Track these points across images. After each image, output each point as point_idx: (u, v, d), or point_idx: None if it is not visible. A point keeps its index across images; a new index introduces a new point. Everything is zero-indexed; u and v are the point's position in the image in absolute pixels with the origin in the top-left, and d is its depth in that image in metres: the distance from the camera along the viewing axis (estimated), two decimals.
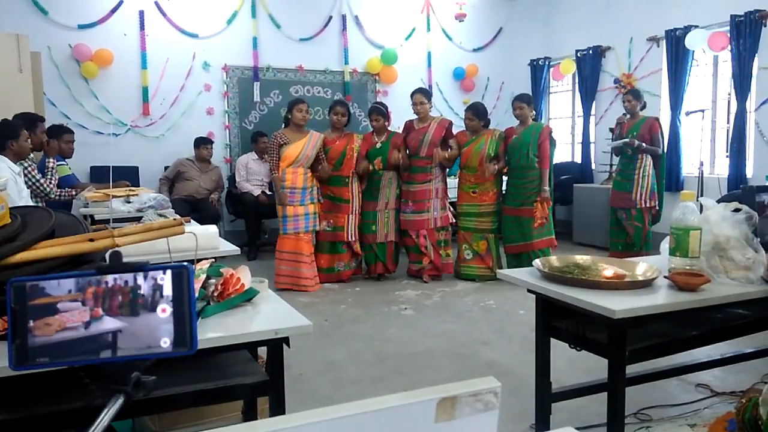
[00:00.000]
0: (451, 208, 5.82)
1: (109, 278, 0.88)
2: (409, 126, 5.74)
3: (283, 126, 5.54)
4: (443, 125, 5.63)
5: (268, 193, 6.84)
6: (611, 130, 6.32)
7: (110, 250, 0.94)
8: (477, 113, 5.62)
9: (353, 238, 5.57)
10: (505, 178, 5.79)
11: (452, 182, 6.04)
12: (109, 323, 0.87)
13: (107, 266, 0.88)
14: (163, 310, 0.88)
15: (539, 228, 5.47)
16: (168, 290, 0.88)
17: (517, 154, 5.51)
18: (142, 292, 0.88)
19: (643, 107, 5.96)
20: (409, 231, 5.65)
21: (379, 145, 5.64)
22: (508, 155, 5.58)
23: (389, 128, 5.81)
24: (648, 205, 5.78)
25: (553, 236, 5.60)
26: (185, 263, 0.90)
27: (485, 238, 5.61)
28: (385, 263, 5.70)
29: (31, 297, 0.87)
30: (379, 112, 5.69)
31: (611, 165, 6.93)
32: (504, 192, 5.77)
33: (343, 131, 5.61)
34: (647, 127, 5.79)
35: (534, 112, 5.74)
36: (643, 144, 5.70)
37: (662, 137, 5.89)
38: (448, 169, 5.92)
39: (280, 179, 5.30)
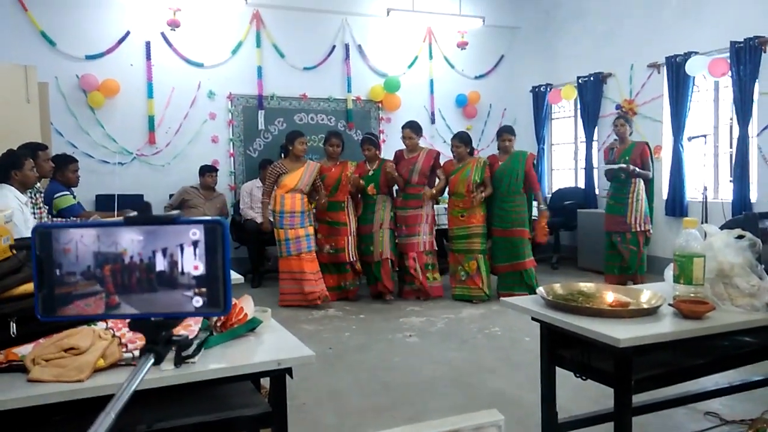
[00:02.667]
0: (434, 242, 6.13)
1: (127, 256, 0.83)
2: (399, 155, 6.10)
3: (281, 156, 5.81)
4: (431, 155, 5.99)
5: (272, 220, 6.87)
6: (605, 152, 6.36)
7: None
8: (463, 140, 5.94)
9: (354, 258, 5.88)
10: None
11: (440, 207, 6.40)
12: (126, 309, 0.84)
13: (135, 218, 0.84)
14: (195, 268, 0.83)
15: (527, 248, 5.77)
16: (201, 247, 0.83)
17: (507, 180, 5.80)
18: (167, 257, 0.83)
19: (630, 132, 6.09)
20: (403, 254, 5.96)
21: (371, 173, 5.99)
22: (496, 181, 5.84)
23: (380, 156, 6.15)
24: (642, 228, 5.93)
25: (533, 258, 5.88)
26: (219, 218, 0.86)
27: (475, 259, 5.82)
28: (383, 281, 5.91)
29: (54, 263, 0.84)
30: (371, 142, 6.06)
31: (606, 190, 6.93)
32: (490, 215, 5.99)
33: (337, 160, 5.95)
34: (638, 151, 5.97)
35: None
36: (637, 169, 5.83)
37: (652, 162, 6.02)
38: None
39: (268, 205, 5.75)
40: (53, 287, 0.84)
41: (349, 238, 5.84)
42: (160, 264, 0.84)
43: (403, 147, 6.10)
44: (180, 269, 0.84)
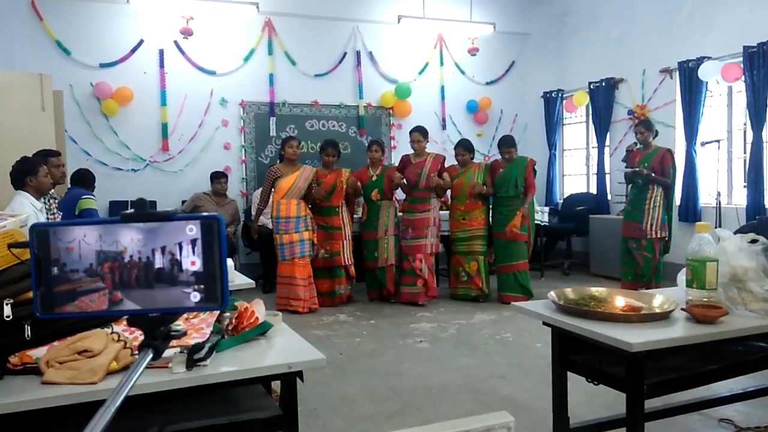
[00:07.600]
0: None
1: (127, 254, 0.85)
2: (405, 160, 6.21)
3: (278, 161, 6.00)
4: (438, 160, 6.10)
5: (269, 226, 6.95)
6: (625, 158, 6.34)
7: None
8: (467, 148, 6.16)
9: (349, 262, 6.00)
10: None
11: (443, 213, 6.43)
12: (127, 306, 0.85)
13: (132, 214, 0.85)
14: (192, 263, 0.84)
15: (520, 250, 5.93)
16: (197, 243, 0.84)
17: (506, 186, 5.99)
18: (165, 254, 0.84)
19: (655, 136, 6.02)
20: (408, 256, 6.03)
21: (374, 178, 6.14)
22: (497, 187, 6.03)
23: (384, 162, 6.35)
24: (658, 235, 5.85)
25: (527, 260, 6.01)
26: (215, 214, 0.87)
27: (475, 260, 6.04)
28: (386, 286, 6.10)
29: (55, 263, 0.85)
30: (379, 144, 6.28)
31: (626, 195, 6.89)
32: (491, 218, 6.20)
33: (333, 168, 6.07)
34: (659, 157, 5.86)
35: (517, 152, 6.16)
36: (653, 174, 5.75)
37: (674, 169, 5.93)
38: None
39: (261, 212, 5.97)
40: (51, 286, 0.86)
41: (344, 242, 5.96)
42: (159, 261, 0.85)
43: (410, 152, 6.19)
44: (178, 266, 0.85)
